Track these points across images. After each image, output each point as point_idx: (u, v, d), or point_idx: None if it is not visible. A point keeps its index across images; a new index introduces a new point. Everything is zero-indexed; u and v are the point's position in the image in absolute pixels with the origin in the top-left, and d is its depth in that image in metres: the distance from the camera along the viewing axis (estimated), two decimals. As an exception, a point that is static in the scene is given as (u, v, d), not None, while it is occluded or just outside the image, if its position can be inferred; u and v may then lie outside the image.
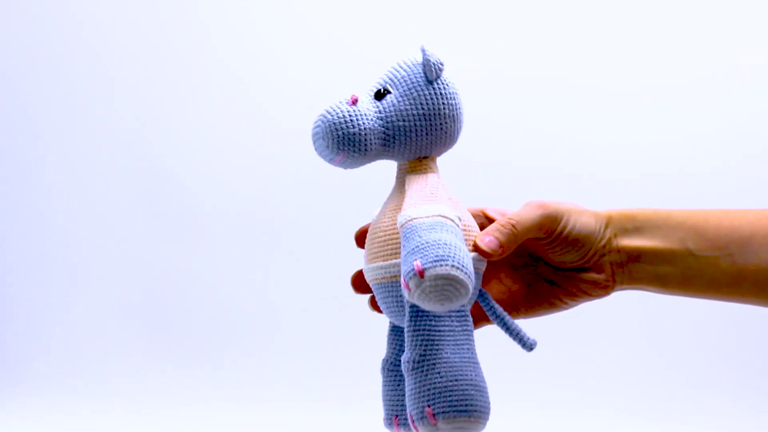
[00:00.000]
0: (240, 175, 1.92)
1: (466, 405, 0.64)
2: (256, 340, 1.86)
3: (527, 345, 0.68)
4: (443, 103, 0.69)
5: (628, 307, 1.75)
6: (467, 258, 0.62)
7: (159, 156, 1.95)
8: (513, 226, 0.69)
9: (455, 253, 0.61)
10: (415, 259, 0.61)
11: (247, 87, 1.93)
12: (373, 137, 0.69)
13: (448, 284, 0.60)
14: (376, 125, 0.69)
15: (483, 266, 0.70)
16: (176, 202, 1.94)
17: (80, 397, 1.81)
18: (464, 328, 0.67)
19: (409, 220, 0.64)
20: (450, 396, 0.64)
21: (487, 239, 0.68)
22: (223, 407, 1.76)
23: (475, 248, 0.68)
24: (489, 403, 0.66)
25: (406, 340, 0.67)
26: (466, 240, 0.68)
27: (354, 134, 0.68)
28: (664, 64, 1.84)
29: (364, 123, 0.68)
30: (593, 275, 0.74)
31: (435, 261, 0.60)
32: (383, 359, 0.72)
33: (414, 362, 0.66)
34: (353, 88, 0.72)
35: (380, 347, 0.75)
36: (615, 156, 1.83)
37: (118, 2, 1.97)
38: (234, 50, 1.94)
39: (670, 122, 1.83)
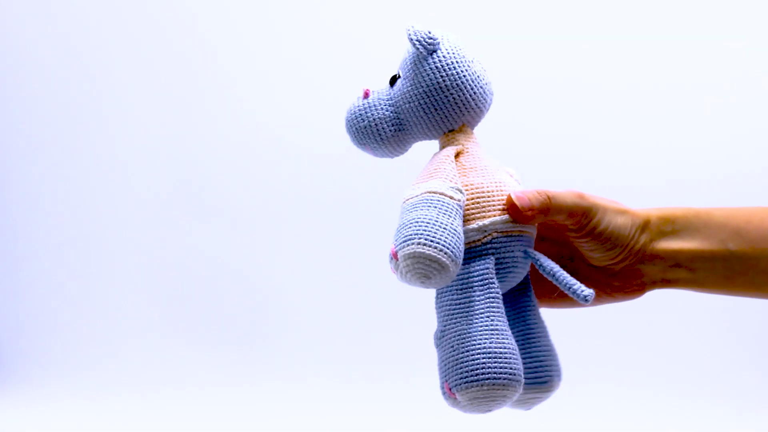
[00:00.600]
0: (270, 166, 1.92)
1: (477, 374, 0.63)
2: (287, 327, 1.87)
3: (581, 297, 0.66)
4: (441, 76, 0.68)
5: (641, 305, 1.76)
6: (444, 230, 0.63)
7: (189, 148, 1.96)
8: (548, 197, 0.68)
9: (425, 229, 0.62)
10: (392, 243, 0.63)
11: (280, 81, 1.94)
12: (385, 125, 0.71)
13: (417, 262, 0.62)
14: (387, 113, 0.71)
15: (523, 229, 0.68)
16: (206, 193, 1.94)
17: (105, 385, 1.82)
18: (486, 295, 0.66)
19: (402, 202, 0.66)
20: (460, 367, 0.64)
21: (521, 195, 0.67)
22: (256, 390, 1.77)
23: (507, 204, 0.68)
24: (510, 368, 0.64)
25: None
26: (490, 202, 0.67)
27: (365, 127, 0.71)
28: (694, 63, 1.83)
29: (372, 114, 0.71)
30: (625, 279, 0.73)
31: (404, 241, 0.62)
32: (434, 331, 0.71)
33: (437, 338, 0.67)
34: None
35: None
36: (644, 156, 1.82)
37: (148, 3, 1.98)
38: (262, 48, 1.95)
39: (700, 123, 1.82)
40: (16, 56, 2.00)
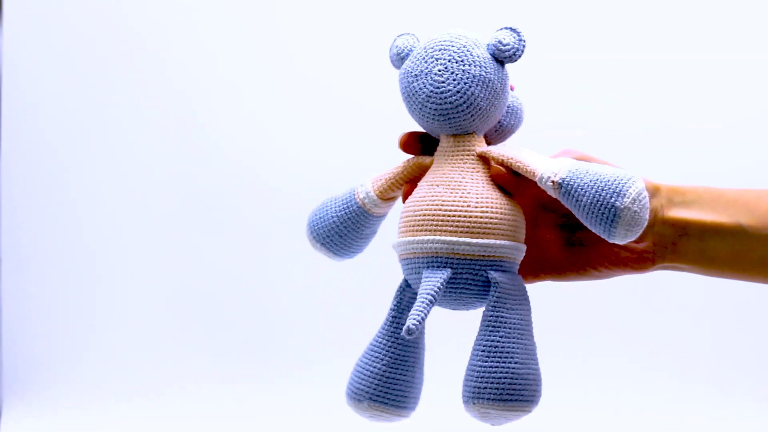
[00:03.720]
0: (287, 177, 1.92)
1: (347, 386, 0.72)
2: (298, 342, 1.87)
3: (403, 329, 0.63)
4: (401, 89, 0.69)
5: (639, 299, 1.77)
6: (318, 214, 0.72)
7: (206, 160, 1.94)
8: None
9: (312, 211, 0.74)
10: None
11: (292, 85, 1.93)
12: None
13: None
14: None
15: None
16: (219, 204, 1.93)
17: (110, 394, 1.83)
18: (390, 309, 0.70)
19: None
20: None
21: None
22: (268, 406, 1.77)
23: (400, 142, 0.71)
24: (354, 386, 0.70)
25: None
26: (414, 220, 0.67)
27: None
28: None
29: None
30: (633, 244, 0.71)
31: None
32: None
33: None
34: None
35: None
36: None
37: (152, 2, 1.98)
38: (275, 47, 1.94)
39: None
40: (20, 64, 2.00)
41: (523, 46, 0.66)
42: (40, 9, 1.98)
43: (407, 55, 0.68)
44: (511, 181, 0.67)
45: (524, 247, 0.67)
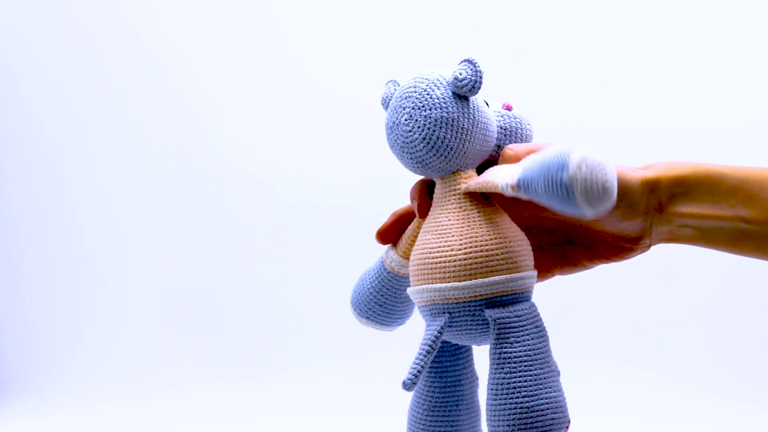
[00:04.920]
0: (279, 178, 1.93)
1: None
2: (292, 343, 1.87)
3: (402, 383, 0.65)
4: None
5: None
6: (362, 295, 0.74)
7: (199, 157, 1.96)
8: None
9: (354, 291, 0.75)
10: None
11: (288, 86, 1.94)
12: None
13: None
14: None
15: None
16: (213, 203, 1.94)
17: (106, 402, 1.81)
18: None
19: None
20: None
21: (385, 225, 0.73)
22: (264, 406, 1.76)
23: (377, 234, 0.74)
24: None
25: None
26: (421, 270, 0.67)
27: None
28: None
29: None
30: (630, 240, 0.70)
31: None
32: None
33: None
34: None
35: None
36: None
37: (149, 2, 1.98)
38: (273, 50, 1.95)
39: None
40: (13, 62, 2.00)
41: (480, 77, 0.65)
42: (34, 4, 1.98)
43: (388, 104, 0.69)
44: (499, 203, 0.67)
45: (529, 275, 0.66)
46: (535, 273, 0.67)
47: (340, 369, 1.81)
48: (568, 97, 1.85)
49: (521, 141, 0.70)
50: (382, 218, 0.73)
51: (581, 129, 1.83)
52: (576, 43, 1.86)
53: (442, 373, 0.70)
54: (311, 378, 1.81)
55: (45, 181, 2.00)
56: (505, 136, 0.70)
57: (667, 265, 1.75)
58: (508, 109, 0.70)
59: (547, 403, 0.64)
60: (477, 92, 0.65)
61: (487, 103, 0.68)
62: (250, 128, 1.95)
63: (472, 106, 0.66)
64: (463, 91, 0.65)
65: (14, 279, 1.99)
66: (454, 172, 0.67)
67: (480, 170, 0.68)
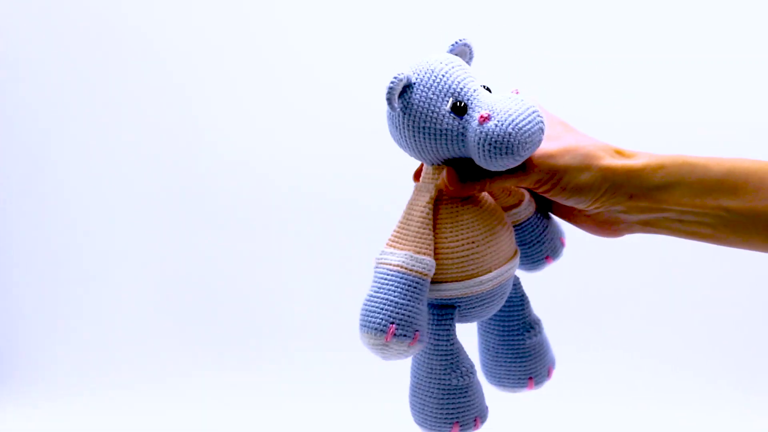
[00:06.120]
0: (274, 169, 1.92)
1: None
2: (285, 335, 1.87)
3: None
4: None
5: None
6: (391, 314, 0.65)
7: (192, 149, 1.94)
8: (488, 183, 0.69)
9: (373, 317, 0.66)
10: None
11: (283, 77, 1.93)
12: None
13: (373, 350, 0.67)
14: None
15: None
16: (209, 196, 1.94)
17: (102, 394, 1.82)
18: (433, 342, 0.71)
19: (376, 263, 0.69)
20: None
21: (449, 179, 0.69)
22: (256, 401, 1.77)
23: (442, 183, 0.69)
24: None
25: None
26: (454, 264, 0.68)
27: None
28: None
29: None
30: (605, 222, 0.72)
31: (359, 327, 0.67)
32: None
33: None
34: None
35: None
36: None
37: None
38: (268, 42, 1.93)
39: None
40: (8, 59, 2.00)
41: (388, 89, 0.66)
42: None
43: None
44: (456, 190, 0.69)
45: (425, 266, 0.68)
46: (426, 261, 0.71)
47: (335, 361, 1.80)
48: (568, 97, 1.85)
49: (495, 153, 0.67)
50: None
51: (581, 128, 1.83)
52: (575, 43, 1.86)
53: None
54: (306, 370, 1.81)
55: (38, 170, 1.98)
56: (477, 149, 0.68)
57: (663, 254, 1.76)
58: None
59: (413, 401, 0.73)
60: (389, 103, 0.66)
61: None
62: (243, 119, 1.93)
63: (396, 114, 0.68)
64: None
65: (7, 269, 1.98)
66: (433, 165, 0.70)
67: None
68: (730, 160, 0.69)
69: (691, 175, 0.68)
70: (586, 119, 1.83)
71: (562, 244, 0.77)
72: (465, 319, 0.71)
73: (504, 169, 0.66)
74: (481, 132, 0.65)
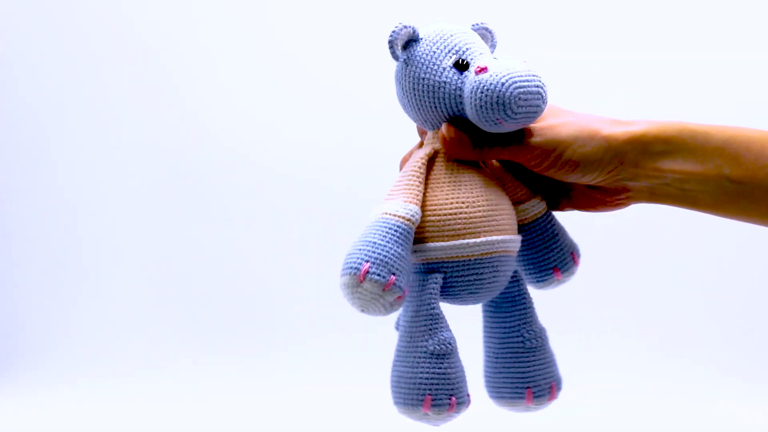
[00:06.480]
0: (268, 160, 1.93)
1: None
2: (282, 327, 1.87)
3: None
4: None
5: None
6: (367, 253, 0.64)
7: (188, 142, 1.95)
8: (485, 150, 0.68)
9: (350, 258, 0.64)
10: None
11: (277, 70, 1.94)
12: None
13: (347, 293, 0.64)
14: None
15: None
16: (203, 187, 1.94)
17: (100, 384, 1.82)
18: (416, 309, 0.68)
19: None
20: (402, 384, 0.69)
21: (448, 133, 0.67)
22: (253, 392, 1.77)
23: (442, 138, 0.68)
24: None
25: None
26: (446, 224, 0.67)
27: None
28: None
29: None
30: (608, 193, 0.71)
31: (341, 272, 0.64)
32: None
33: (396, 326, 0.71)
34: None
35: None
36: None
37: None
38: (265, 38, 1.94)
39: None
40: (8, 58, 2.00)
41: (391, 34, 0.67)
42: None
43: None
44: (452, 145, 0.68)
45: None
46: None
47: (330, 349, 1.81)
48: (568, 97, 1.85)
49: (488, 102, 0.66)
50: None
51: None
52: (576, 43, 1.87)
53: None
54: (303, 360, 1.81)
55: (33, 164, 1.99)
56: (471, 102, 0.67)
57: (665, 247, 1.76)
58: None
59: (395, 377, 0.69)
60: (392, 55, 0.67)
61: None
62: (239, 114, 1.94)
63: (400, 67, 0.69)
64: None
65: (5, 261, 1.99)
66: (434, 131, 0.69)
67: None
68: (732, 128, 0.69)
69: (692, 142, 0.68)
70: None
71: (574, 261, 0.73)
72: (455, 295, 0.68)
73: (498, 131, 0.65)
74: (475, 81, 0.64)
